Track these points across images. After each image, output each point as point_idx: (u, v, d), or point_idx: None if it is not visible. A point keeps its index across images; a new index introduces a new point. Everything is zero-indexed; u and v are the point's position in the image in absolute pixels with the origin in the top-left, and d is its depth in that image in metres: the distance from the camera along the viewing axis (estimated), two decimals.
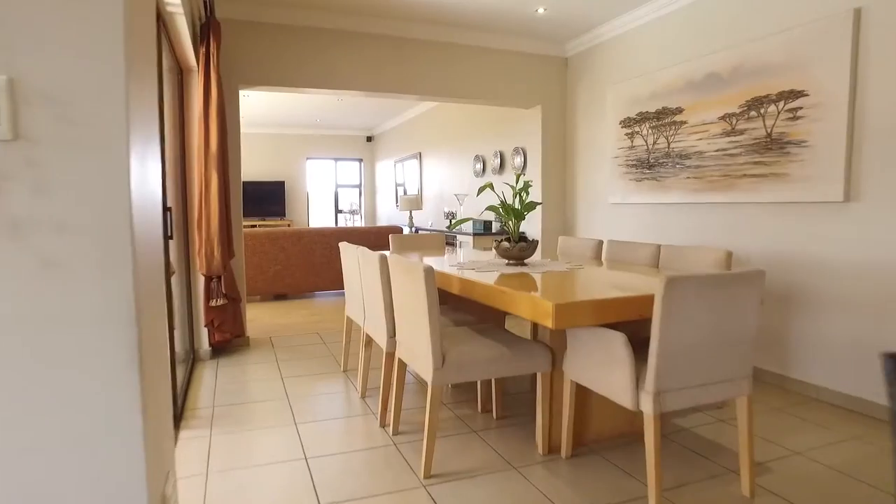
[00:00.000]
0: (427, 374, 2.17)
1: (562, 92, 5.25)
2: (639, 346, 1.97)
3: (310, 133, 11.05)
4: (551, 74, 5.20)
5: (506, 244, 2.95)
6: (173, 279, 3.67)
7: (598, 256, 3.76)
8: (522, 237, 3.01)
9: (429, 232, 6.50)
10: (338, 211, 11.37)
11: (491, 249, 5.54)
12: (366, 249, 2.91)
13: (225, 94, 3.87)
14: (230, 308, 3.86)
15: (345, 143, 11.35)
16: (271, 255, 6.29)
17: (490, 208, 3.06)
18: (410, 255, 3.91)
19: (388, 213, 10.72)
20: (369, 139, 11.44)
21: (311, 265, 6.46)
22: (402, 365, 2.54)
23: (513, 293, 2.10)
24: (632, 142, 4.40)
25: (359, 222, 11.49)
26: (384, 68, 4.58)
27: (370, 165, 11.55)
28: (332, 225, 11.39)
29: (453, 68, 4.80)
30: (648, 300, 1.97)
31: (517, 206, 3.04)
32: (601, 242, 3.76)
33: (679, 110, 3.90)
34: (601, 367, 2.03)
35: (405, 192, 9.73)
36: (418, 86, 4.71)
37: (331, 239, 6.54)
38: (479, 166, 6.69)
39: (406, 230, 7.73)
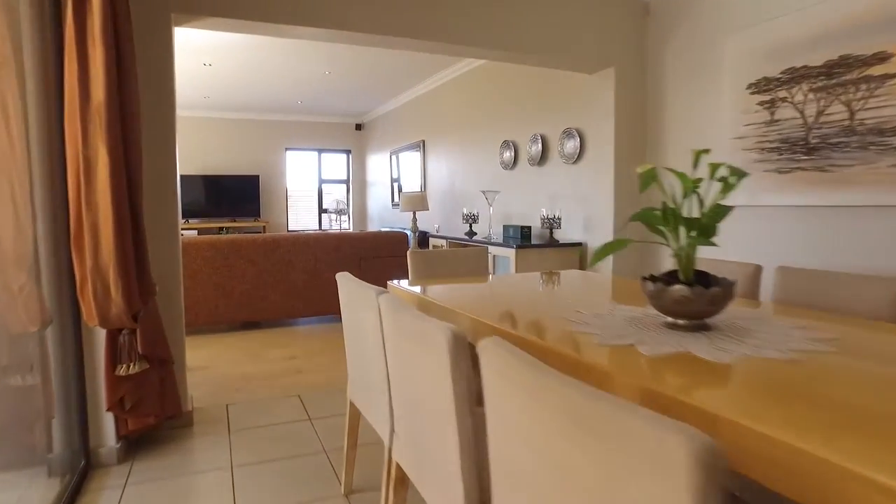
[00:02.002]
0: None
1: (640, 49, 3.79)
2: None
3: (290, 119, 9.46)
4: (626, 25, 3.73)
5: (681, 289, 1.46)
6: (49, 334, 2.14)
7: (753, 294, 2.31)
8: (701, 275, 1.53)
9: (445, 242, 5.01)
10: (322, 210, 9.79)
11: (534, 270, 4.07)
12: (403, 303, 1.40)
13: (136, 15, 2.34)
14: (154, 376, 2.32)
15: (330, 131, 9.78)
16: (237, 270, 4.74)
17: (641, 217, 1.58)
18: (439, 282, 2.41)
19: (380, 213, 9.19)
20: (359, 127, 9.88)
21: (290, 284, 4.92)
22: None
23: None
24: (772, 114, 2.95)
25: (346, 223, 9.93)
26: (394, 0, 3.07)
27: (360, 157, 10.00)
28: (316, 227, 9.81)
29: (491, 10, 3.31)
30: None
31: (691, 210, 1.57)
32: (759, 269, 2.31)
33: (880, 58, 2.46)
34: None
35: (400, 189, 8.22)
36: (441, 30, 3.20)
37: (316, 248, 5.01)
38: (508, 155, 5.21)
39: (409, 236, 6.22)
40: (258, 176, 9.12)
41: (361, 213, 10.05)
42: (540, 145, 4.70)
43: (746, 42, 3.08)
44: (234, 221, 8.96)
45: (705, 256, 2.99)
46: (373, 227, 9.63)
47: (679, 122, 3.58)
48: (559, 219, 4.11)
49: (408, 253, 2.90)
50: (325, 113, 9.29)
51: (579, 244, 4.15)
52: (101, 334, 2.20)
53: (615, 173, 3.76)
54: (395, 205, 8.32)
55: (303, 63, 5.96)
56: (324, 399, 3.09)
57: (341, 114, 9.40)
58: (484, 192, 4.62)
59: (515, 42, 3.37)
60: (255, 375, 3.53)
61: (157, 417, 2.39)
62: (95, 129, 1.69)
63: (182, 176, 9.07)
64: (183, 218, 8.70)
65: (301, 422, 2.77)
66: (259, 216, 9.14)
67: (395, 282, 2.49)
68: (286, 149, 9.50)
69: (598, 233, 3.94)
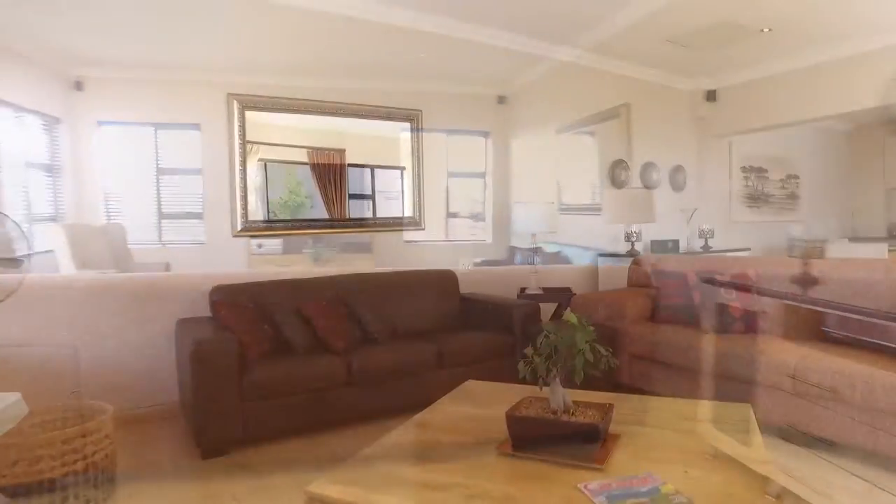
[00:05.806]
0: None
1: None
2: None
3: (406, 88, 7.04)
4: None
5: None
6: None
7: None
8: None
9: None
10: (449, 214, 7.29)
11: None
12: None
13: None
14: None
15: (462, 105, 7.21)
16: None
17: None
18: None
19: (529, 222, 6.47)
20: (502, 100, 7.24)
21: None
22: None
23: None
24: None
25: (481, 234, 7.33)
26: None
27: (502, 142, 7.34)
28: (442, 237, 7.30)
29: None
30: None
31: None
32: None
33: None
34: None
35: (560, 188, 5.43)
36: None
37: None
38: None
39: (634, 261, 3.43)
40: (370, 167, 6.79)
41: (502, 220, 7.39)
42: None
43: None
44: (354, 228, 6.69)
45: None
46: (519, 240, 6.95)
47: None
48: None
49: None
50: (457, 78, 6.75)
51: None
52: None
53: None
54: (563, 209, 5.58)
55: None
56: None
57: (478, 81, 6.81)
58: None
59: None
60: None
61: None
62: None
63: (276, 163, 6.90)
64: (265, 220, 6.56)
65: None
66: (374, 216, 6.80)
67: None
68: (401, 130, 7.09)
69: None
